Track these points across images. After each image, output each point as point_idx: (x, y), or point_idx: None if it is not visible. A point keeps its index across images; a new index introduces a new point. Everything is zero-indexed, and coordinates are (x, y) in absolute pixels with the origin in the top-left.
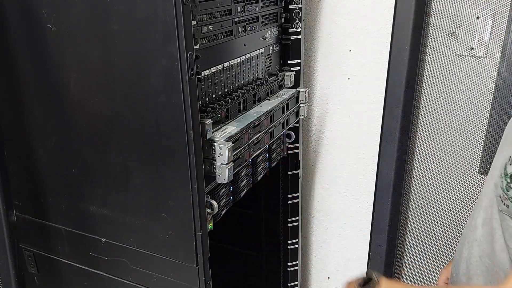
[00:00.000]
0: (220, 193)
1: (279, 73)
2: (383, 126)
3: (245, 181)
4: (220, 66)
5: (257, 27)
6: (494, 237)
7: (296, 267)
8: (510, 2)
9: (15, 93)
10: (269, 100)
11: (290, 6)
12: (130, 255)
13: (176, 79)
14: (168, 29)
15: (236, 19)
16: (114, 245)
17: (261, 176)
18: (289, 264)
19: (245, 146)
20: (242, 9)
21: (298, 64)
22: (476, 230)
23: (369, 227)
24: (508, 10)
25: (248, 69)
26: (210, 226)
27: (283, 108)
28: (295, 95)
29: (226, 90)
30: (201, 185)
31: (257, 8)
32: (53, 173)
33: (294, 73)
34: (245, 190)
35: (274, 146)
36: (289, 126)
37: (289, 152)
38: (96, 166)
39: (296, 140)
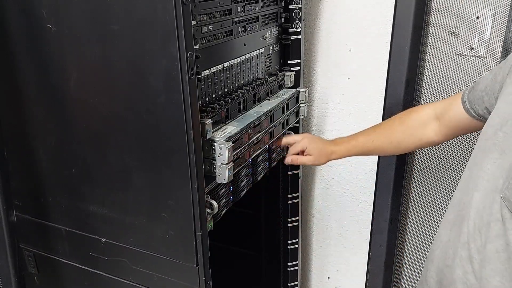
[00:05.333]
0: (220, 193)
1: (279, 73)
2: None
3: (245, 181)
4: (220, 66)
5: (257, 27)
6: None
7: (296, 267)
8: (510, 2)
9: (15, 93)
10: (269, 100)
11: (290, 6)
12: (130, 255)
13: (176, 79)
14: (168, 29)
15: (236, 19)
16: (114, 245)
17: (261, 176)
18: (289, 264)
19: (245, 146)
20: (242, 9)
21: (298, 64)
22: (475, 247)
23: (369, 227)
24: (508, 10)
25: (248, 69)
26: (210, 226)
27: (283, 108)
28: (295, 95)
29: (226, 90)
30: (201, 185)
31: (257, 8)
32: (53, 173)
33: (294, 73)
34: (245, 190)
35: (274, 146)
36: (289, 126)
37: None
38: (96, 166)
39: None
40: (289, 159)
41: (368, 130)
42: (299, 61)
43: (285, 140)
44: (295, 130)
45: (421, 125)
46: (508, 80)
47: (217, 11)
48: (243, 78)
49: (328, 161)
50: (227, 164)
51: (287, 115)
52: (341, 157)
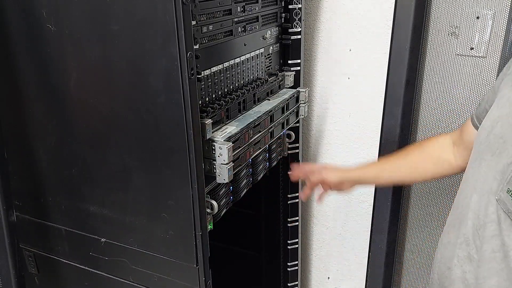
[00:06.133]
0: (220, 193)
1: (279, 73)
2: (383, 126)
3: (245, 181)
4: (220, 66)
5: (257, 27)
6: (509, 253)
7: (296, 267)
8: (510, 2)
9: (15, 93)
10: (269, 100)
11: (290, 6)
12: (130, 255)
13: (176, 79)
14: (168, 29)
15: (236, 19)
16: (114, 245)
17: (261, 176)
18: (289, 264)
19: (245, 146)
20: (242, 9)
21: (298, 64)
22: (475, 247)
23: (369, 227)
24: (508, 10)
25: (248, 69)
26: (210, 226)
27: (283, 108)
28: (295, 95)
29: (226, 90)
30: (201, 185)
31: (257, 8)
32: (53, 173)
33: (294, 73)
34: (245, 190)
35: (274, 146)
36: (289, 126)
37: (289, 152)
38: (96, 166)
39: (296, 140)
40: (316, 198)
41: (387, 156)
42: (299, 61)
43: (298, 173)
44: (295, 130)
45: (440, 148)
46: (501, 86)
47: (217, 11)
48: (243, 78)
49: (352, 186)
50: (227, 164)
51: (287, 115)
52: (359, 178)
